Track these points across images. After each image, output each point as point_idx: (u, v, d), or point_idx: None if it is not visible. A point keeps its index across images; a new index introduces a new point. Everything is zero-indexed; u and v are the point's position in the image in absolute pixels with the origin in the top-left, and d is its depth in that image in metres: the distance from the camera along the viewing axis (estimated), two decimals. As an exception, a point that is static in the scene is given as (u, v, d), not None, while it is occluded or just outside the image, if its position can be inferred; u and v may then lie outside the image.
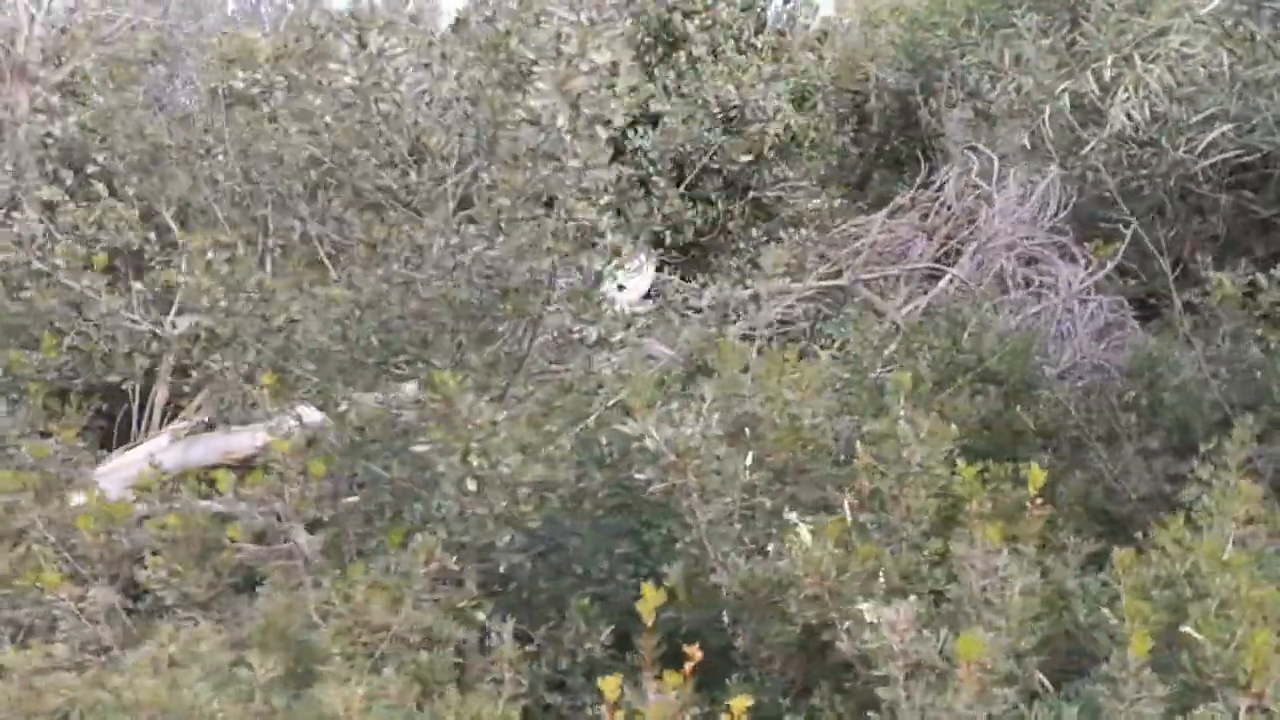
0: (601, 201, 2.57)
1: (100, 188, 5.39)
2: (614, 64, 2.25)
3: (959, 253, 7.64)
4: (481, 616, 3.03)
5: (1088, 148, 7.44)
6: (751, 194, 8.09)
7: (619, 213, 3.20)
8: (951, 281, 6.96)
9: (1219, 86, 6.16)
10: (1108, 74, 7.75)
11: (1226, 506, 2.66)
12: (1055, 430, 4.48)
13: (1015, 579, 2.35)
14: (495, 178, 2.53)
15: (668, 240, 7.88)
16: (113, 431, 6.28)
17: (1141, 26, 7.63)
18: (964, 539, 2.58)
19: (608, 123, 2.32)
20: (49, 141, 7.25)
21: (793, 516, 2.84)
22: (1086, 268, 7.30)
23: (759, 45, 8.24)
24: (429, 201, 2.83)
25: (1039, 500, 3.00)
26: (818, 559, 2.63)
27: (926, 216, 8.11)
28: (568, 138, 2.32)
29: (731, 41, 8.09)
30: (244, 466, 4.34)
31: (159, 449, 5.30)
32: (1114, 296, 6.67)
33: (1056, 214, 7.77)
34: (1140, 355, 4.53)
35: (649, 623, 2.12)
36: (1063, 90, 7.96)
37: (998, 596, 2.32)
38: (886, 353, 4.91)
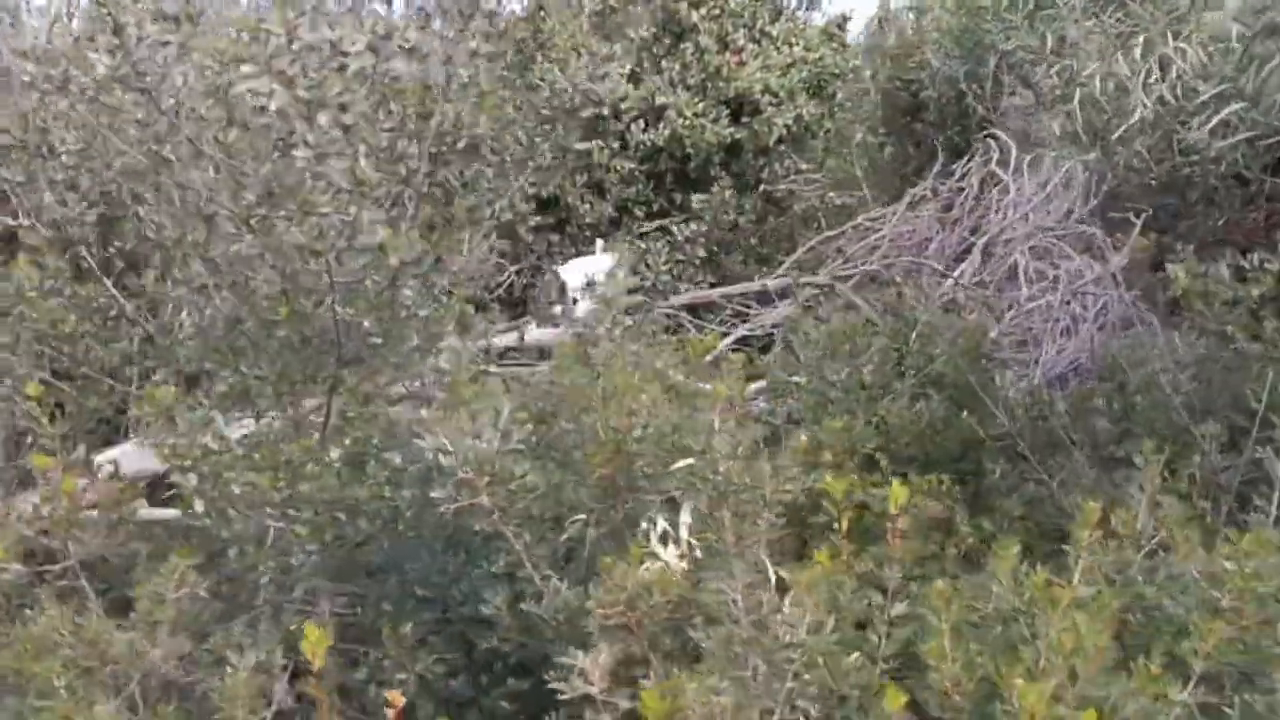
0: (376, 194, 2.35)
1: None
2: (333, 44, 2.03)
3: (989, 245, 7.24)
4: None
5: (1118, 132, 7.00)
6: (763, 188, 7.80)
7: (448, 204, 2.97)
8: (960, 277, 6.56)
9: (1228, 62, 5.68)
10: (1138, 54, 7.27)
11: (1080, 531, 2.33)
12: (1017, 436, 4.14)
13: (799, 620, 2.06)
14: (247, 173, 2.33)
15: (677, 235, 7.63)
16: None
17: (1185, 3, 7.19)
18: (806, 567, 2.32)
19: (343, 108, 2.10)
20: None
21: (659, 520, 2.62)
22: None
23: (774, 34, 7.93)
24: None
25: (901, 519, 2.70)
26: (622, 587, 2.38)
27: (950, 208, 7.70)
28: (300, 125, 2.11)
29: (743, 30, 7.80)
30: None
31: (123, 454, 5.25)
32: (1127, 292, 6.19)
33: (1087, 203, 7.31)
34: (1111, 355, 4.14)
35: (316, 666, 1.90)
36: (1091, 72, 7.51)
37: (772, 639, 2.03)
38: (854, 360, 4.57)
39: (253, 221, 2.29)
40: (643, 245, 6.62)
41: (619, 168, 7.39)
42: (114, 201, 3.01)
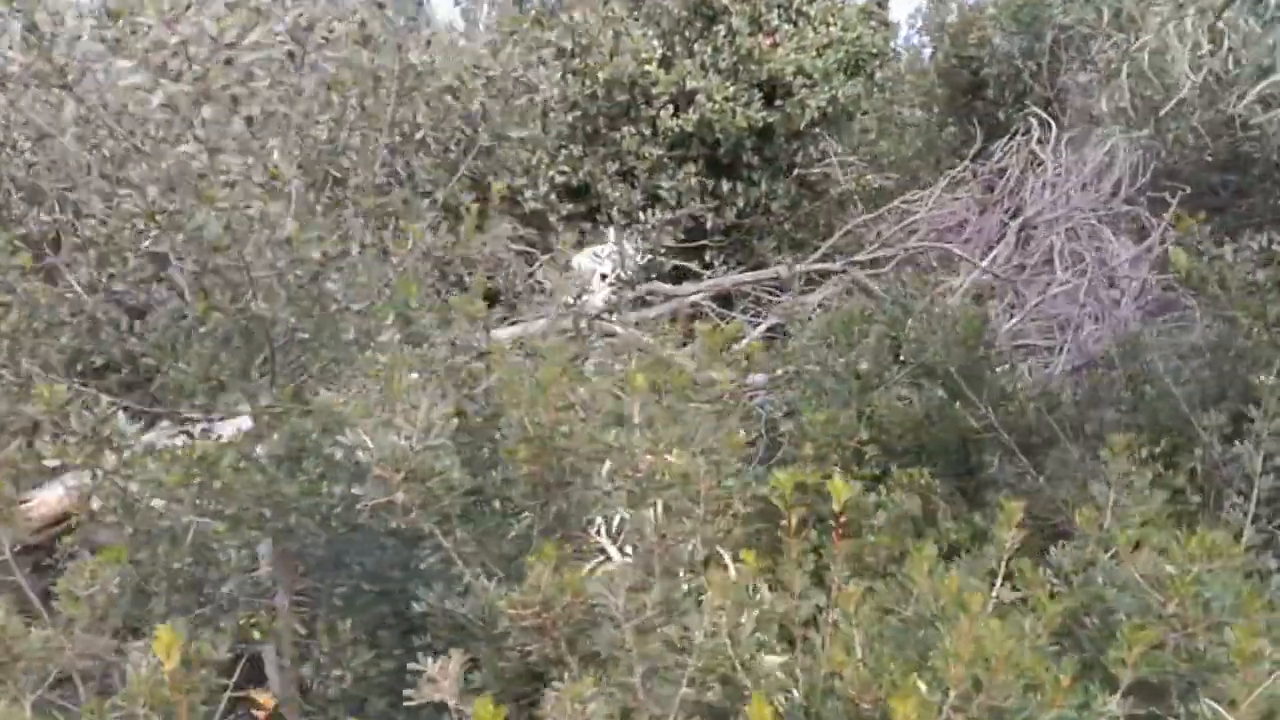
0: (286, 188, 2.32)
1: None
2: (213, 39, 1.99)
3: (1023, 228, 7.01)
4: (257, 635, 2.87)
5: (1166, 107, 6.75)
6: (796, 171, 7.64)
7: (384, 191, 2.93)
8: (994, 262, 6.35)
9: (1270, 32, 5.40)
10: (1189, 25, 6.99)
11: (1001, 532, 2.21)
12: (1016, 428, 3.98)
13: (697, 624, 1.98)
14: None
15: (709, 223, 7.52)
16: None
17: (1245, -31, 6.89)
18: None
19: (235, 99, 2.06)
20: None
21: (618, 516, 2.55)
22: (1162, 242, 6.58)
23: (810, 13, 7.76)
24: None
25: (844, 517, 2.60)
26: (536, 587, 2.32)
27: (992, 189, 7.47)
28: (195, 121, 2.08)
29: (777, 10, 7.64)
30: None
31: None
32: (1165, 274, 5.92)
33: (1134, 182, 7.03)
34: (1118, 343, 3.95)
35: (169, 664, 1.87)
36: (1141, 45, 7.22)
37: (661, 643, 1.95)
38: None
39: (158, 217, 2.27)
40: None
41: (648, 154, 7.30)
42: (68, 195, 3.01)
